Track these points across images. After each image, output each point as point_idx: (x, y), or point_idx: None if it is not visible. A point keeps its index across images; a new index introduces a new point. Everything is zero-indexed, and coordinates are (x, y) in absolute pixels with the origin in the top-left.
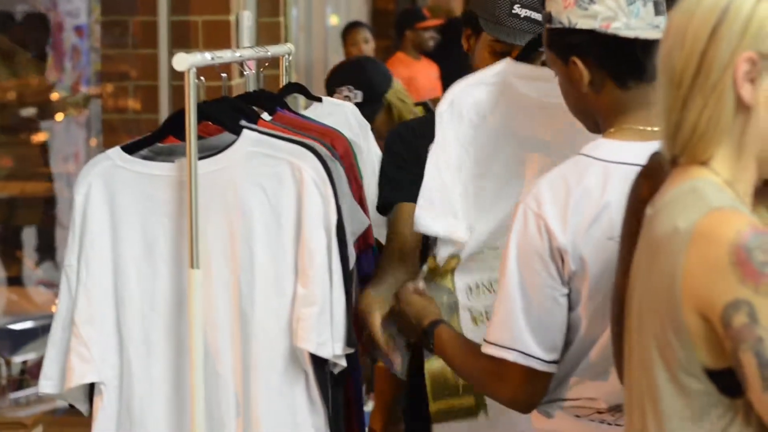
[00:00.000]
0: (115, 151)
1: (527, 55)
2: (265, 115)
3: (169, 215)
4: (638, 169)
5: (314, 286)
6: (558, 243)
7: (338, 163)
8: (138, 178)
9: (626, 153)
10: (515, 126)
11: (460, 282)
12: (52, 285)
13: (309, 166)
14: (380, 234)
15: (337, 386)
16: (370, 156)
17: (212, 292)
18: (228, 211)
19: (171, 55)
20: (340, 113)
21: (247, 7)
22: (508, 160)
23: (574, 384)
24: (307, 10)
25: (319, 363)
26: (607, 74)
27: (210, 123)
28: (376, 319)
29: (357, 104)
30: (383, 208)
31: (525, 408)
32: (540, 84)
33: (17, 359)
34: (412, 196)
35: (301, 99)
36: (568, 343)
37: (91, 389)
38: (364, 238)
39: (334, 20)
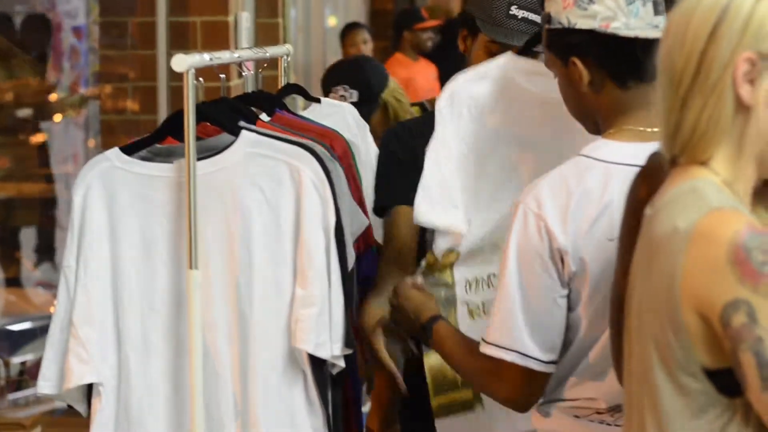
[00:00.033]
0: (114, 152)
1: (527, 52)
2: (264, 116)
3: (168, 216)
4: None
5: (313, 287)
6: (558, 244)
7: (337, 163)
8: (137, 179)
9: (626, 154)
10: (515, 122)
11: (459, 276)
12: (51, 286)
13: (308, 167)
14: (379, 235)
15: (336, 387)
16: (368, 157)
17: (211, 293)
18: (227, 211)
19: (169, 56)
20: (339, 114)
21: (245, 8)
22: (506, 156)
23: (573, 384)
24: (305, 11)
25: (318, 364)
26: (607, 74)
27: (208, 124)
28: (380, 343)
29: (353, 104)
30: (379, 210)
31: (522, 407)
32: (542, 79)
33: (16, 360)
34: (408, 199)
35: (300, 100)
36: (567, 343)
37: (89, 390)
38: (364, 239)
39: (333, 21)
